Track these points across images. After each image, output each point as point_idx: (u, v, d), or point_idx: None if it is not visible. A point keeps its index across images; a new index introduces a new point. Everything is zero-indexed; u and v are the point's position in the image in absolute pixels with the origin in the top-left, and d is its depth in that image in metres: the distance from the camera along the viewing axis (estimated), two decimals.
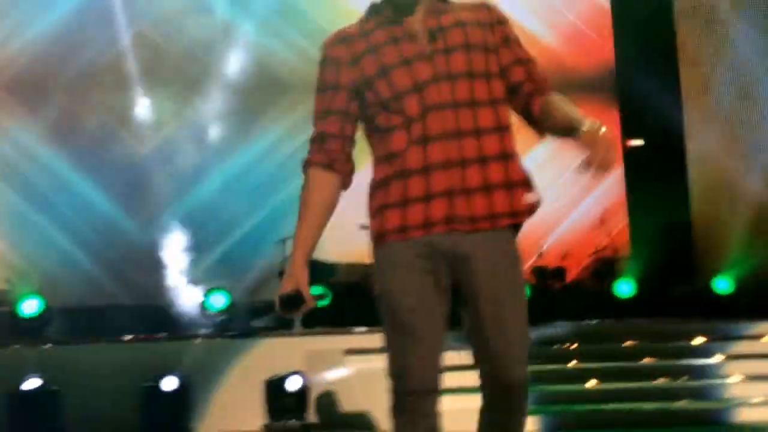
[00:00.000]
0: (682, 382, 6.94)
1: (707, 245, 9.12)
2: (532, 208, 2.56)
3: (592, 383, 6.84)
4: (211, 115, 9.21)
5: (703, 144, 9.40)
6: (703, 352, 7.29)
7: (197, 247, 8.73)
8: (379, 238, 2.55)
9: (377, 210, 2.56)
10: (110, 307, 8.48)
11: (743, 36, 9.50)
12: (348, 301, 7.74)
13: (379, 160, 2.59)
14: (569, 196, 9.56)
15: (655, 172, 9.42)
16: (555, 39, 9.78)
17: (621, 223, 9.54)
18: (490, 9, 2.69)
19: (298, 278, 2.53)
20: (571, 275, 8.91)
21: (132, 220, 8.92)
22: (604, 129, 2.42)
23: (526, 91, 2.68)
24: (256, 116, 9.37)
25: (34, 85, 8.97)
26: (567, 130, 2.52)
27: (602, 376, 6.90)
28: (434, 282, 2.49)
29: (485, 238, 2.48)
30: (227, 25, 9.27)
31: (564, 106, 2.62)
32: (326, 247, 8.14)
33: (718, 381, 6.93)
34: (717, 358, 7.17)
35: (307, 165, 2.62)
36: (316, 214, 2.60)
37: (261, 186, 8.90)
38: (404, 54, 2.54)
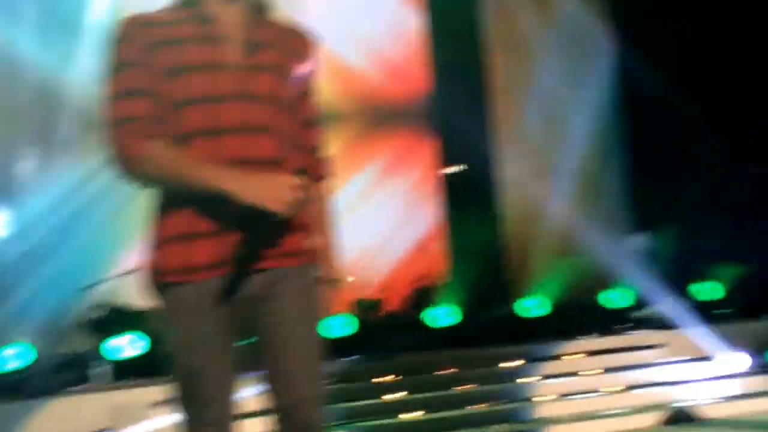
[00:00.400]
0: (500, 406, 7.07)
1: (520, 269, 9.41)
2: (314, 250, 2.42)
3: (411, 415, 6.86)
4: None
5: (513, 170, 9.72)
6: (519, 374, 7.49)
7: None
8: (159, 277, 2.26)
9: (158, 243, 2.28)
10: None
11: (551, 65, 9.93)
12: (161, 349, 7.41)
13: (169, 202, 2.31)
14: (388, 226, 9.64)
15: (470, 198, 9.67)
16: (371, 69, 9.86)
17: (439, 251, 9.70)
18: (305, 37, 2.52)
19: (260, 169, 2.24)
20: (392, 305, 8.94)
21: None
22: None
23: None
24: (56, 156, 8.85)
25: None
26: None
27: (421, 407, 6.94)
28: (224, 324, 2.26)
29: (277, 276, 2.29)
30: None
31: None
32: (136, 293, 7.91)
33: (534, 402, 7.11)
34: (532, 380, 7.37)
35: (147, 135, 2.24)
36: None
37: (60, 230, 8.43)
38: (210, 57, 2.29)
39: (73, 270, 7.84)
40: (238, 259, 2.21)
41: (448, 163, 9.96)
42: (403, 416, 6.86)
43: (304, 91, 2.48)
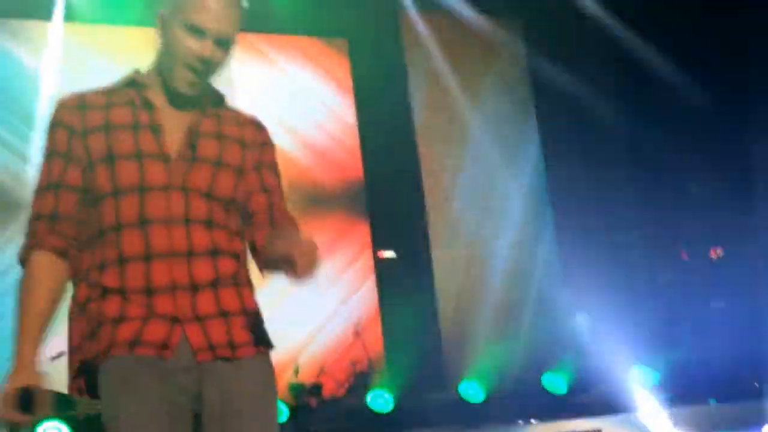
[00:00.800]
0: None
1: (456, 352, 9.38)
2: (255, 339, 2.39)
3: None
4: None
5: (447, 250, 9.79)
6: None
7: None
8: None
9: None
10: None
11: (480, 151, 10.15)
12: None
13: (97, 268, 2.24)
14: (323, 309, 9.53)
15: (406, 281, 9.67)
16: (305, 156, 9.88)
17: (376, 334, 9.61)
18: (259, 129, 2.52)
19: (30, 374, 2.16)
20: (328, 390, 8.76)
21: None
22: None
23: (259, 221, 2.46)
24: None
25: None
26: (284, 259, 2.28)
27: None
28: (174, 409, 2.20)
29: (232, 366, 2.28)
30: None
31: (289, 234, 2.34)
32: (58, 381, 7.59)
33: None
34: None
35: (32, 247, 2.23)
36: (47, 303, 2.22)
37: None
38: (140, 146, 2.22)
39: None
40: None
41: (381, 247, 9.97)
42: None
43: (252, 167, 2.44)
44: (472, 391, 8.42)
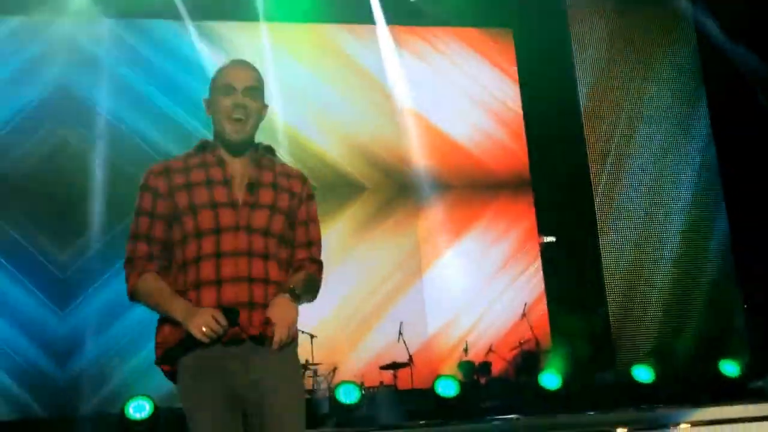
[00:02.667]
0: None
1: (625, 334, 9.40)
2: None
3: None
4: None
5: (613, 238, 9.79)
6: None
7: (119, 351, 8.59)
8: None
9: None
10: (24, 422, 8.22)
11: (646, 137, 10.08)
12: None
13: (180, 293, 2.87)
14: (491, 291, 9.79)
15: (572, 264, 9.78)
16: (474, 143, 10.18)
17: (542, 315, 9.78)
18: (303, 183, 3.05)
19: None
20: (497, 368, 9.02)
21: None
22: (291, 300, 2.82)
23: (297, 263, 3.02)
24: None
25: None
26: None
27: None
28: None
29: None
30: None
31: (291, 278, 2.96)
32: None
33: None
34: None
35: (139, 273, 2.90)
36: (170, 290, 2.87)
37: None
38: (214, 198, 2.86)
39: None
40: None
41: (547, 231, 10.10)
42: None
43: (301, 220, 3.02)
44: (642, 373, 8.41)
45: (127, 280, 2.92)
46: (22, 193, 8.84)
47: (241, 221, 2.85)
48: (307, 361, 8.40)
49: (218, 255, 2.81)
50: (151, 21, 9.45)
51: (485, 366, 8.87)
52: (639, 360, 8.56)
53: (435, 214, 9.87)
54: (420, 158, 9.90)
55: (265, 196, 2.91)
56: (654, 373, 8.38)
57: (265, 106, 3.04)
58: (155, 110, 9.24)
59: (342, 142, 9.73)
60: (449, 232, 9.85)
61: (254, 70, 3.06)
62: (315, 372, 8.48)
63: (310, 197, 3.06)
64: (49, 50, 9.01)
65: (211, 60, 9.20)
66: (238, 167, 2.94)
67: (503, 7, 10.24)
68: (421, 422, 7.55)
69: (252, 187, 2.91)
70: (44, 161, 8.98)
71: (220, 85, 2.96)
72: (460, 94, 10.24)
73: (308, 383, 8.47)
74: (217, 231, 2.83)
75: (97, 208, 8.78)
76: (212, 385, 2.77)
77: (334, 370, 8.64)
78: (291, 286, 2.85)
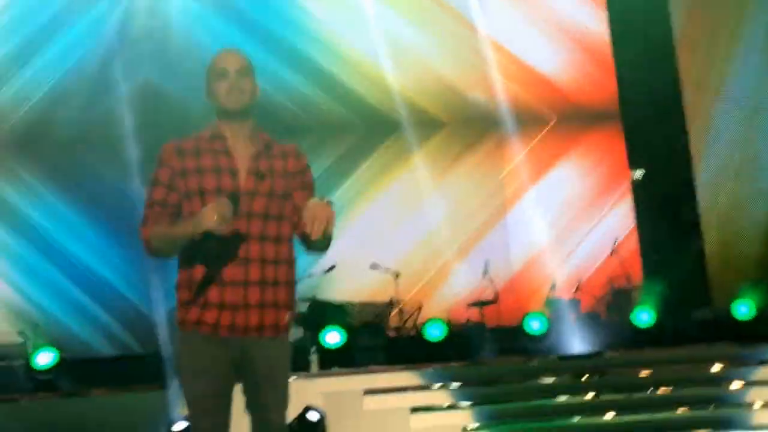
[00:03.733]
0: (704, 410, 6.83)
1: (722, 270, 9.06)
2: (288, 326, 3.18)
3: (610, 415, 6.74)
4: None
5: (709, 170, 9.39)
6: (724, 378, 7.18)
7: None
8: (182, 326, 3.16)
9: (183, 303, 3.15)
10: (124, 357, 8.46)
11: (745, 61, 9.55)
12: (362, 340, 7.70)
13: (182, 265, 3.17)
14: (579, 227, 9.55)
15: (664, 199, 9.42)
16: (559, 72, 9.83)
17: (633, 252, 9.50)
18: (299, 158, 3.32)
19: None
20: (585, 305, 8.84)
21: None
22: (326, 203, 2.95)
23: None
24: None
25: (46, 139, 9.01)
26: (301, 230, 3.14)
27: (621, 408, 6.80)
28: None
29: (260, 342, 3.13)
30: None
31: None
32: (338, 287, 8.24)
33: (740, 408, 6.82)
34: (738, 385, 7.06)
35: (152, 224, 3.18)
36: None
37: None
38: (221, 185, 3.15)
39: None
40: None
41: (638, 165, 9.75)
42: (605, 417, 6.75)
43: (296, 187, 3.25)
44: (742, 308, 8.10)
45: (143, 237, 3.19)
46: None
47: (243, 208, 3.11)
48: (391, 298, 8.37)
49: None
50: None
51: (574, 303, 8.69)
52: (738, 296, 8.20)
53: (520, 149, 9.62)
54: (503, 92, 9.63)
55: (263, 185, 3.18)
56: (754, 308, 8.07)
57: (257, 87, 3.28)
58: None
59: (422, 77, 9.51)
60: (535, 167, 9.60)
61: (244, 56, 3.32)
62: (400, 310, 8.46)
63: (305, 169, 3.32)
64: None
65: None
66: (242, 155, 3.22)
67: None
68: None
69: (253, 176, 3.18)
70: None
71: (214, 71, 3.24)
72: (544, 23, 9.88)
73: (393, 321, 8.46)
74: None
75: None
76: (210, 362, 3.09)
77: (420, 308, 8.60)
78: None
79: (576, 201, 9.64)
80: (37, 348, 7.64)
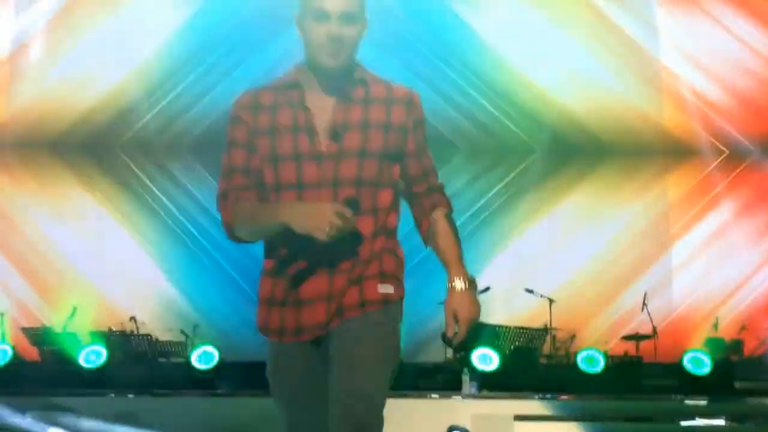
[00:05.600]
0: None
1: None
2: (387, 297, 2.56)
3: None
4: None
5: None
6: None
7: None
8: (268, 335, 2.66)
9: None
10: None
11: None
12: (513, 365, 7.65)
13: (266, 251, 2.65)
14: (745, 267, 9.13)
15: None
16: (732, 104, 9.43)
17: None
18: (409, 108, 2.65)
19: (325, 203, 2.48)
20: (749, 348, 8.44)
21: None
22: (471, 292, 2.49)
23: (419, 199, 2.69)
24: None
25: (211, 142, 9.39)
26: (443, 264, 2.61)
27: None
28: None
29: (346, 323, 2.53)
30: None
31: (444, 241, 2.63)
32: (491, 310, 8.21)
33: None
34: None
35: (235, 200, 2.62)
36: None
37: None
38: (298, 149, 2.55)
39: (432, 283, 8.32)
40: None
41: None
42: None
43: (409, 152, 2.64)
44: None
45: (223, 217, 2.63)
46: None
47: (326, 175, 2.53)
48: (545, 325, 8.27)
49: None
50: None
51: (737, 344, 8.32)
52: None
53: (685, 179, 9.31)
54: (670, 119, 9.35)
55: (352, 140, 2.55)
56: None
57: (365, 24, 2.60)
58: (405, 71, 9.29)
59: (588, 100, 9.36)
60: (700, 198, 9.26)
61: None
62: (553, 337, 8.34)
63: (418, 123, 2.66)
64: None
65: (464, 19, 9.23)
66: (324, 108, 2.59)
67: None
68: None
69: (336, 134, 2.56)
70: None
71: (313, 7, 2.55)
72: (720, 54, 9.50)
73: (546, 348, 8.35)
74: (300, 186, 2.55)
75: None
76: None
77: (574, 336, 8.44)
78: (456, 273, 2.53)
79: (743, 237, 9.22)
80: (196, 347, 7.99)
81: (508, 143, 9.33)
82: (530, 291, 8.42)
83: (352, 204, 2.45)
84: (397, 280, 2.60)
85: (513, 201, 9.25)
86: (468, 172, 9.15)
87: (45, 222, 9.29)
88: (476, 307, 2.49)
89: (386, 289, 2.57)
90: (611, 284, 9.04)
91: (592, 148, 9.32)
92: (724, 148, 9.37)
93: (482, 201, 9.13)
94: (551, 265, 8.84)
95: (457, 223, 2.66)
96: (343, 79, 2.60)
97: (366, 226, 2.54)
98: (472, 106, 9.37)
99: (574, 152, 9.28)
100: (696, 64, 9.43)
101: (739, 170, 9.34)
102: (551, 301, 8.39)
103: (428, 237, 2.66)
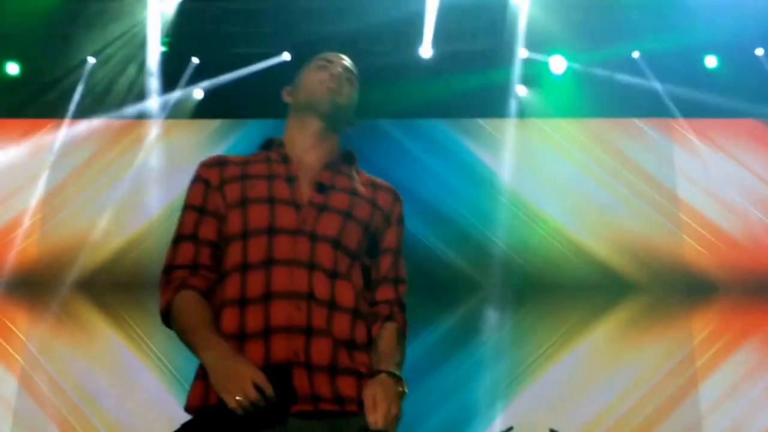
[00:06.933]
0: None
1: None
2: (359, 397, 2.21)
3: None
4: None
5: None
6: None
7: None
8: None
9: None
10: None
11: None
12: None
13: (217, 311, 2.26)
14: None
15: None
16: (753, 240, 9.43)
17: None
18: (395, 199, 2.51)
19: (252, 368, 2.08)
20: None
21: None
22: (397, 387, 2.19)
23: (379, 305, 2.42)
24: None
25: None
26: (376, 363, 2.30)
27: None
28: None
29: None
30: None
31: (387, 345, 2.34)
32: None
33: None
34: None
35: (177, 289, 2.28)
36: (211, 314, 2.25)
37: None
38: (273, 192, 2.30)
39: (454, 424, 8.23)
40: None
41: None
42: None
43: (387, 247, 2.44)
44: None
45: (161, 296, 2.31)
46: None
47: (305, 224, 2.27)
48: None
49: (269, 263, 2.23)
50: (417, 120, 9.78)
51: None
52: None
53: (711, 319, 9.19)
54: (694, 257, 9.34)
55: (339, 199, 2.34)
56: None
57: (356, 97, 2.51)
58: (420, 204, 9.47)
59: (609, 238, 9.42)
60: (728, 339, 9.11)
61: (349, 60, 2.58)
62: None
63: (401, 220, 2.49)
64: None
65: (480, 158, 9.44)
66: (309, 165, 2.39)
67: None
68: None
69: (322, 186, 2.35)
70: None
71: (315, 63, 2.52)
72: (736, 188, 9.59)
73: None
74: (271, 231, 2.25)
75: None
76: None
77: None
78: (386, 367, 2.22)
79: None
80: None
81: (524, 281, 9.32)
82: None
83: (280, 375, 2.06)
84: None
85: (532, 338, 9.19)
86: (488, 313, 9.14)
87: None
88: (397, 398, 2.16)
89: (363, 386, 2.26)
90: (638, 427, 8.78)
91: (614, 287, 9.31)
92: (750, 284, 9.29)
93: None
94: (575, 405, 8.65)
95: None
96: (328, 143, 2.45)
97: (345, 294, 2.28)
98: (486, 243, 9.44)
99: (596, 290, 9.27)
100: (712, 200, 9.50)
101: (762, 308, 9.23)
102: None
103: (373, 341, 2.36)
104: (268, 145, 2.50)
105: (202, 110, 9.73)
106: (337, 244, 2.28)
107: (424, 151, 9.62)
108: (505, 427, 8.05)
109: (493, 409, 8.61)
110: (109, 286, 9.46)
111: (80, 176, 9.70)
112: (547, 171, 9.44)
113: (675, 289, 9.33)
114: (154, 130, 9.66)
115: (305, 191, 2.34)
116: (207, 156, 2.52)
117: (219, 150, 9.56)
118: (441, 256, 9.25)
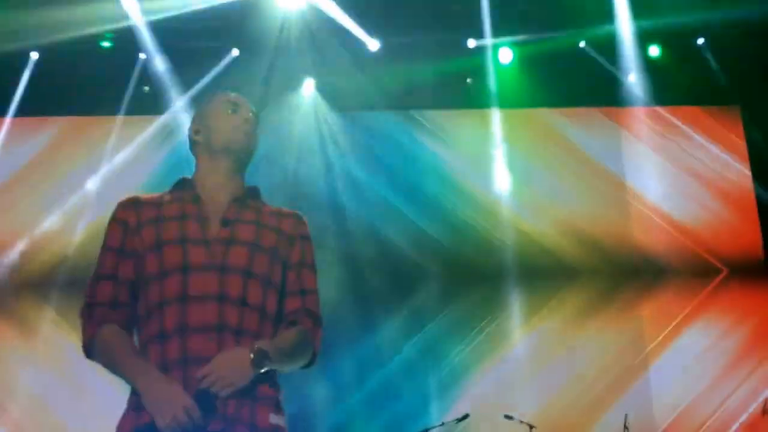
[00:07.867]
0: None
1: None
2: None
3: None
4: None
5: None
6: None
7: None
8: None
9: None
10: None
11: None
12: None
13: (142, 346, 2.49)
14: (725, 385, 9.09)
15: None
16: (698, 224, 9.63)
17: None
18: (297, 223, 2.69)
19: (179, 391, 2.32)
20: None
21: None
22: (254, 360, 2.35)
23: (288, 321, 2.63)
24: None
25: None
26: None
27: None
28: None
29: None
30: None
31: (283, 336, 2.54)
32: None
33: None
34: None
35: (98, 324, 2.49)
36: (134, 346, 2.49)
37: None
38: (185, 233, 2.48)
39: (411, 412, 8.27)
40: None
41: None
42: None
43: (292, 263, 2.61)
44: None
45: (84, 330, 2.52)
46: None
47: (215, 259, 2.45)
48: None
49: (184, 299, 2.41)
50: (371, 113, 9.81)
51: None
52: None
53: (660, 301, 9.37)
54: (642, 241, 9.50)
55: (245, 231, 2.53)
56: None
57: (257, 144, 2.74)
58: (375, 199, 9.50)
59: (558, 225, 9.54)
60: (676, 320, 9.30)
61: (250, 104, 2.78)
62: None
63: (305, 238, 2.68)
64: (279, 145, 9.56)
65: (430, 149, 9.48)
66: (218, 203, 2.58)
67: (731, 83, 9.78)
68: None
69: (227, 222, 2.53)
70: None
71: (222, 103, 2.68)
72: (683, 174, 9.79)
73: None
74: (185, 269, 2.43)
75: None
76: None
77: None
78: (262, 346, 2.38)
79: (719, 357, 9.23)
80: None
81: (469, 268, 9.38)
82: (509, 417, 8.33)
83: (207, 400, 2.30)
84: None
85: (484, 325, 9.25)
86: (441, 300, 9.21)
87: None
88: (244, 371, 2.33)
89: (278, 419, 2.48)
90: (591, 407, 8.92)
91: (564, 273, 9.43)
92: (697, 267, 9.49)
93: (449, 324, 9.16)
94: (530, 390, 8.75)
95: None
96: (235, 182, 2.64)
97: (251, 323, 2.45)
98: (440, 231, 9.49)
99: (547, 277, 9.38)
100: (659, 185, 9.69)
101: (714, 289, 9.43)
102: (531, 427, 8.27)
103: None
104: (181, 185, 2.66)
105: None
106: (248, 273, 2.46)
107: (376, 143, 9.62)
108: (460, 415, 8.11)
109: (449, 396, 8.68)
110: (57, 286, 9.29)
111: (26, 176, 9.51)
112: (496, 161, 9.51)
113: (624, 273, 9.48)
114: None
115: (214, 228, 2.53)
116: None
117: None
118: (392, 246, 9.27)
